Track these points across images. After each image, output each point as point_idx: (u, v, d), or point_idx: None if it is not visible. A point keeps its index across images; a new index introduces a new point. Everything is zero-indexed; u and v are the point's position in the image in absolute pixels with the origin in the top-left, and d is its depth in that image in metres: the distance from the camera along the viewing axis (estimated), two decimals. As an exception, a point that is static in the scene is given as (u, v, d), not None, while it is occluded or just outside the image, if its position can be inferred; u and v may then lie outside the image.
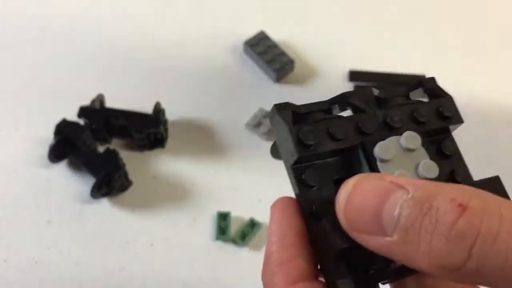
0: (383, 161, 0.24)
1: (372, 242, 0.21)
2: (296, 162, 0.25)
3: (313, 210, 0.25)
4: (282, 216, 0.25)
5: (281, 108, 0.25)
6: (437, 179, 0.24)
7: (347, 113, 0.27)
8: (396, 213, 0.20)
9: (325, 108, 0.26)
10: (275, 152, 0.27)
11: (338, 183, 0.23)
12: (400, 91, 0.27)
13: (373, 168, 0.25)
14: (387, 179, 0.21)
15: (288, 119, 0.25)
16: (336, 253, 0.23)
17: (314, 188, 0.25)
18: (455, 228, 0.19)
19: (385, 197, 0.21)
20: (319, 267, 0.24)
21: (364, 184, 0.21)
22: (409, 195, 0.20)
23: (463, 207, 0.19)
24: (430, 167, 0.24)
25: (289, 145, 0.25)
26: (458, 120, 0.27)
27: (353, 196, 0.21)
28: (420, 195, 0.20)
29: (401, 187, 0.20)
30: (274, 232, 0.25)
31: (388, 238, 0.20)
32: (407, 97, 0.27)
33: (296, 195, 0.25)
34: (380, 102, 0.26)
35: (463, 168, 0.26)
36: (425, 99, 0.27)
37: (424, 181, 0.21)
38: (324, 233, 0.23)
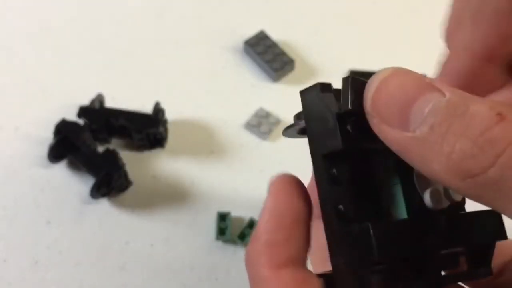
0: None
1: (391, 134, 0.20)
2: (330, 152, 0.22)
3: (340, 209, 0.22)
4: (281, 194, 0.23)
5: (326, 89, 0.22)
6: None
7: None
8: (427, 109, 0.19)
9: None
10: (291, 133, 0.25)
11: (368, 184, 0.22)
12: None
13: (407, 178, 0.23)
14: (426, 79, 0.20)
15: (334, 104, 0.22)
16: (371, 264, 0.21)
17: (342, 185, 0.22)
18: (487, 135, 0.18)
19: (420, 93, 0.19)
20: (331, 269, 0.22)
21: (403, 75, 0.20)
22: (446, 98, 0.19)
23: (501, 116, 0.18)
24: None
25: (329, 133, 0.22)
26: None
27: (388, 83, 0.20)
28: (457, 100, 0.19)
29: (439, 90, 0.19)
30: (269, 210, 0.23)
31: (409, 134, 0.19)
32: None
33: (320, 188, 0.23)
34: None
35: None
36: None
37: (463, 92, 0.19)
38: (357, 240, 0.21)
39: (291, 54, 0.63)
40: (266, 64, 0.62)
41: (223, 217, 0.52)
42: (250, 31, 0.64)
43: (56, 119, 0.54)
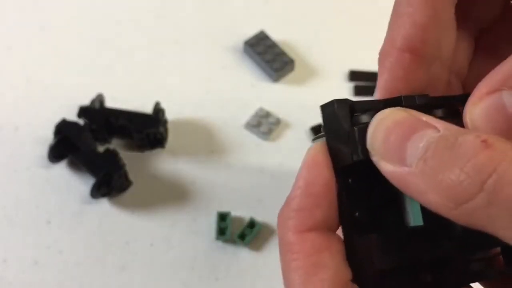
0: None
1: (390, 170, 0.21)
2: (346, 166, 0.24)
3: (355, 216, 0.23)
4: (312, 164, 0.24)
5: (341, 106, 0.24)
6: None
7: None
8: (421, 144, 0.20)
9: (380, 108, 0.24)
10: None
11: (384, 193, 0.23)
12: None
13: None
14: (423, 117, 0.21)
15: (347, 120, 0.24)
16: (377, 273, 0.22)
17: (358, 195, 0.24)
18: (473, 161, 0.19)
19: (414, 130, 0.21)
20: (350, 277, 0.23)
21: (399, 115, 0.22)
22: (439, 134, 0.20)
23: (486, 144, 0.19)
24: None
25: (343, 147, 0.24)
26: None
27: (385, 123, 0.22)
28: (448, 134, 0.20)
29: (433, 126, 0.21)
30: (301, 177, 0.24)
31: (406, 168, 0.21)
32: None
33: (338, 198, 0.24)
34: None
35: None
36: None
37: (457, 127, 0.21)
38: (368, 248, 0.22)
39: (291, 54, 0.63)
40: (266, 64, 0.62)
41: (223, 217, 0.52)
42: (250, 31, 0.64)
43: (56, 119, 0.54)
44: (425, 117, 0.21)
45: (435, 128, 0.21)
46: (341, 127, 0.24)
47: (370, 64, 0.64)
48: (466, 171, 0.19)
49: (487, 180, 0.19)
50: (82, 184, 0.54)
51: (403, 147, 0.21)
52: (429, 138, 0.20)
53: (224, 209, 0.52)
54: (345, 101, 0.24)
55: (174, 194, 0.54)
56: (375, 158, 0.22)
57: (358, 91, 0.61)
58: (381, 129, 0.22)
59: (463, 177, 0.19)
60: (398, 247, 0.23)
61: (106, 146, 0.55)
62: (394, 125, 0.22)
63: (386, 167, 0.22)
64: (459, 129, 0.21)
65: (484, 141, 0.19)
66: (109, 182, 0.52)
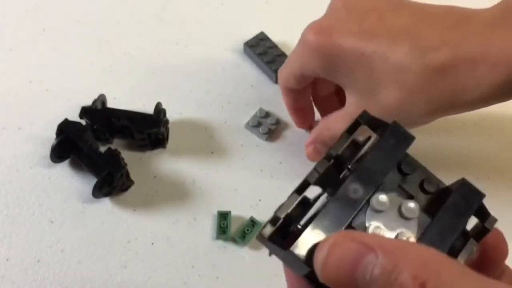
0: (375, 210, 0.28)
1: None
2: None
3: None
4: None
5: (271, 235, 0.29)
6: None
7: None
8: (368, 277, 0.23)
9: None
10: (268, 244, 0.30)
11: None
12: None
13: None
14: (359, 239, 0.24)
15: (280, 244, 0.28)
16: None
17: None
18: None
19: (357, 263, 0.24)
20: None
21: (337, 250, 0.24)
22: (378, 261, 0.23)
23: (423, 286, 0.22)
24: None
25: (296, 263, 0.26)
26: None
27: (329, 263, 0.24)
28: (387, 263, 0.23)
29: (371, 250, 0.23)
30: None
31: None
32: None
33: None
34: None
35: (430, 177, 0.30)
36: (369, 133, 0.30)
37: (392, 242, 0.24)
38: None
39: (291, 55, 0.63)
40: (266, 65, 0.62)
41: (223, 216, 0.52)
42: (250, 33, 0.64)
43: (59, 119, 0.55)
44: (361, 238, 0.24)
45: (373, 252, 0.23)
46: (279, 251, 0.28)
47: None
48: None
49: None
50: (84, 183, 0.54)
51: (355, 281, 0.24)
52: (372, 268, 0.23)
53: (224, 208, 0.53)
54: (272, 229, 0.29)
55: (175, 194, 0.55)
56: (323, 280, 0.25)
57: (357, 92, 0.62)
58: (329, 272, 0.25)
59: None
60: None
61: (107, 146, 0.55)
62: (339, 264, 0.24)
63: None
64: (396, 257, 0.23)
65: (422, 284, 0.22)
66: (111, 181, 0.52)
